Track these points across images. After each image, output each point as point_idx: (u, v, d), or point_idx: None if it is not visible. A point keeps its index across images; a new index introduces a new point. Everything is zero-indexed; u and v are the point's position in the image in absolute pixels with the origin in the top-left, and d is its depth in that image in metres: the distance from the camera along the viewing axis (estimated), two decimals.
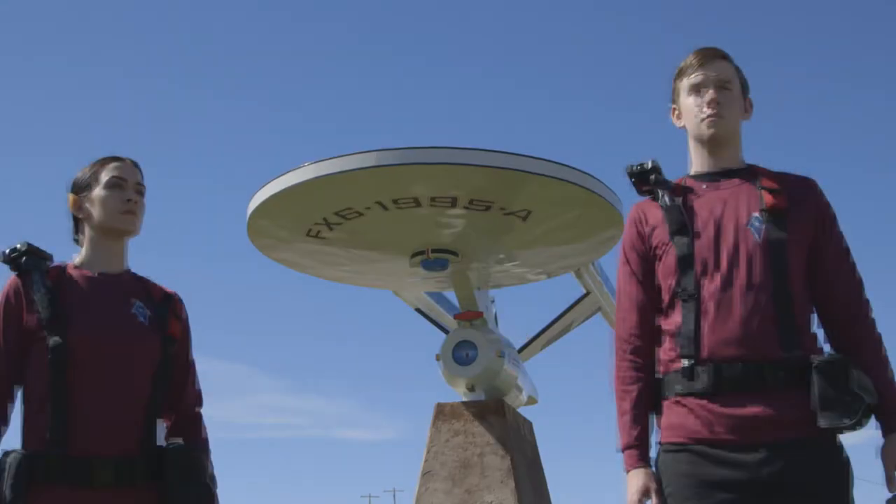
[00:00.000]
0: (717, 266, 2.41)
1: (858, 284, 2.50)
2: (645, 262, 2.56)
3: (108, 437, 2.44)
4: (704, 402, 2.37)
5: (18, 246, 2.56)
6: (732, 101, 2.56)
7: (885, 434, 2.39)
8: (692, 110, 2.56)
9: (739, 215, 2.46)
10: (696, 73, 2.57)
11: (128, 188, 2.67)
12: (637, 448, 2.50)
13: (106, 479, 2.39)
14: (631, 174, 2.64)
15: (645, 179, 2.62)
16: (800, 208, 2.47)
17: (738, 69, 2.62)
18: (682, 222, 2.48)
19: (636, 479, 2.46)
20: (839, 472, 2.36)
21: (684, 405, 2.41)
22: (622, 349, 2.56)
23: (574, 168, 7.07)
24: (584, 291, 10.39)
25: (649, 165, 2.61)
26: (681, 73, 2.62)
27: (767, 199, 2.45)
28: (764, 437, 2.31)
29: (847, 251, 2.52)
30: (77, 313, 2.51)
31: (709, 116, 2.52)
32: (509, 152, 6.89)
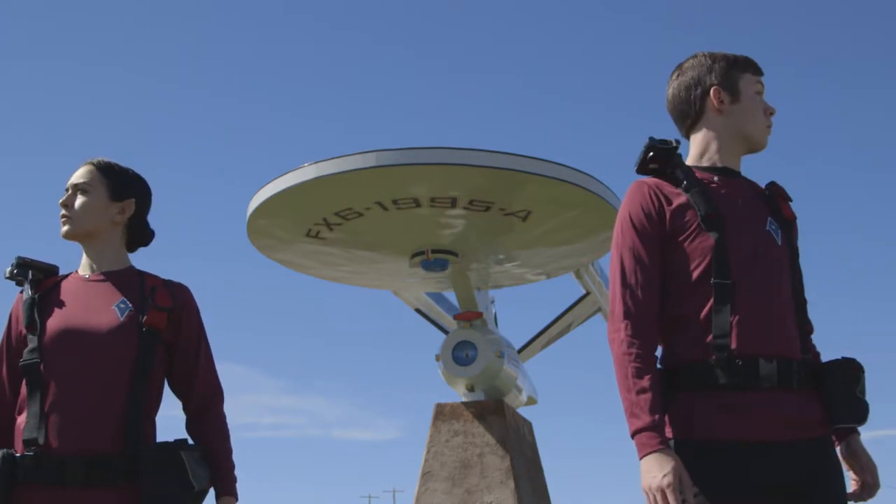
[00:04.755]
0: (751, 260, 2.35)
1: None
2: (657, 241, 2.39)
3: (81, 437, 2.41)
4: (733, 397, 2.26)
5: (14, 262, 2.64)
6: None
7: (842, 439, 2.44)
8: (759, 111, 2.51)
9: (759, 216, 2.42)
10: (760, 80, 2.56)
11: (66, 192, 2.68)
12: (659, 430, 2.23)
13: (77, 478, 2.38)
14: (651, 148, 2.46)
15: (664, 157, 2.46)
16: (795, 222, 2.52)
17: None
18: (715, 209, 2.37)
19: (665, 463, 2.18)
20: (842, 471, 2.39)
21: (710, 399, 2.28)
22: (637, 325, 2.33)
23: (573, 168, 7.08)
24: (584, 291, 10.42)
25: (673, 144, 2.48)
26: (746, 66, 2.53)
27: (786, 210, 2.48)
28: (789, 435, 2.26)
29: None
30: (53, 317, 2.53)
31: (768, 127, 2.54)
32: (509, 152, 6.91)
